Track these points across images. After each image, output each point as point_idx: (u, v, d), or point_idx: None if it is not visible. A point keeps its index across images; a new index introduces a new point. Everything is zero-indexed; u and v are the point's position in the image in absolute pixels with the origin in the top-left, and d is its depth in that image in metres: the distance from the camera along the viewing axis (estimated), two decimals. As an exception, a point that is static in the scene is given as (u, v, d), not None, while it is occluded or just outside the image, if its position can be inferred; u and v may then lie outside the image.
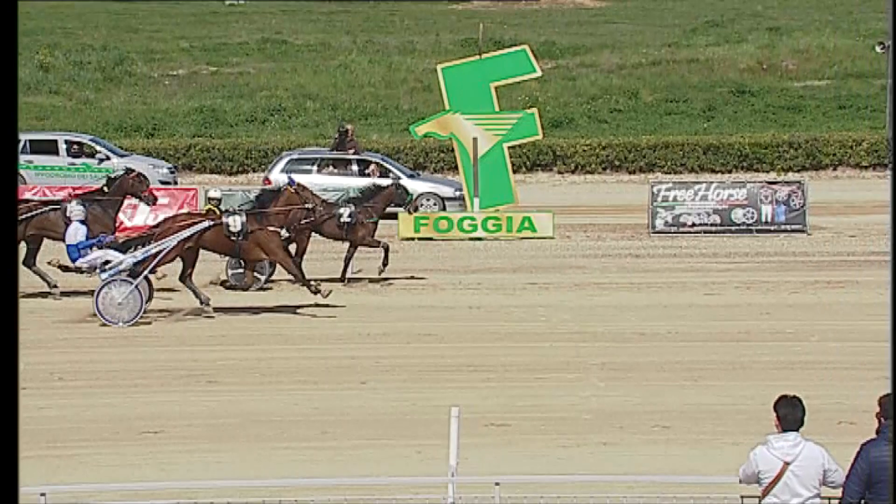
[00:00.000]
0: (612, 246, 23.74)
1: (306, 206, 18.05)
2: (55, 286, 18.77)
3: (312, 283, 17.67)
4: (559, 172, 33.40)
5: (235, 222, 17.70)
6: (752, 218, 24.88)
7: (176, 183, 29.55)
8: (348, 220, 19.96)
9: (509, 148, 25.72)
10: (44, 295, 18.69)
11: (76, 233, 17.74)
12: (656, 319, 17.18)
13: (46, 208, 18.96)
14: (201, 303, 17.63)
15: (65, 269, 18.16)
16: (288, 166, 27.32)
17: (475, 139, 24.94)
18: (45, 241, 19.21)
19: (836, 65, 41.26)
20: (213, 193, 19.44)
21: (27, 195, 22.29)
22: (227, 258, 19.14)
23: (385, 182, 22.91)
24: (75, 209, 18.04)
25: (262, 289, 19.22)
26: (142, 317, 17.09)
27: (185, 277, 17.91)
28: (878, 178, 32.76)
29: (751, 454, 7.35)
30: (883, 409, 7.13)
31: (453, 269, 20.87)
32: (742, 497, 7.78)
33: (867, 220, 26.23)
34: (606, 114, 38.12)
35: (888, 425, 7.04)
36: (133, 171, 19.91)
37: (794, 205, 24.89)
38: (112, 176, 19.98)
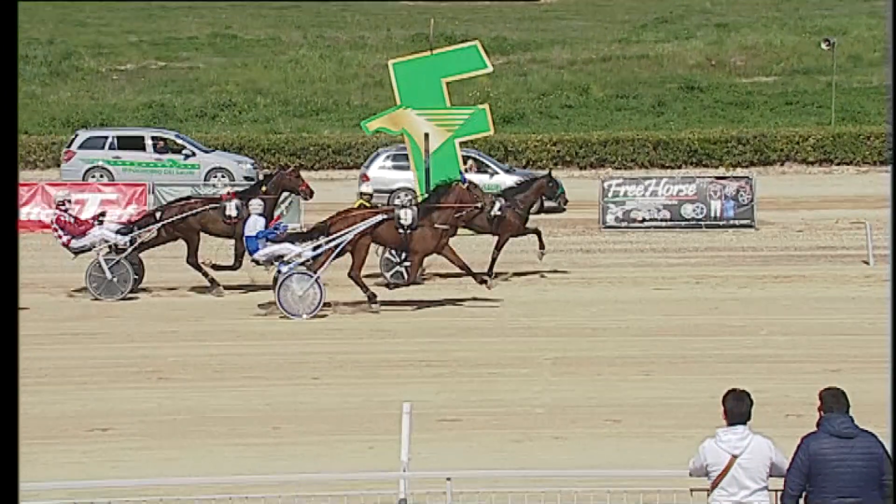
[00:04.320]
0: (564, 241, 23.85)
1: (476, 203, 18.04)
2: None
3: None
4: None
5: (407, 215, 17.86)
6: (702, 213, 25.08)
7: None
8: (498, 213, 19.84)
9: (461, 143, 25.74)
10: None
11: (255, 225, 18.12)
12: (607, 314, 17.29)
13: (207, 206, 19.34)
14: (369, 300, 17.61)
15: (217, 267, 18.73)
16: (385, 162, 27.42)
17: (426, 135, 24.89)
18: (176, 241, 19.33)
19: (782, 61, 41.71)
20: (366, 189, 19.73)
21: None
22: (385, 253, 19.23)
23: (540, 174, 22.64)
24: (254, 203, 18.58)
25: (415, 282, 18.96)
26: (321, 309, 17.25)
27: (353, 273, 17.81)
28: (824, 173, 33.18)
29: (700, 447, 7.42)
30: (823, 402, 7.22)
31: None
32: (691, 490, 7.85)
33: (814, 215, 26.55)
34: (557, 109, 38.27)
35: (828, 418, 7.14)
36: (290, 166, 20.30)
37: (743, 200, 25.13)
38: (269, 173, 20.80)
